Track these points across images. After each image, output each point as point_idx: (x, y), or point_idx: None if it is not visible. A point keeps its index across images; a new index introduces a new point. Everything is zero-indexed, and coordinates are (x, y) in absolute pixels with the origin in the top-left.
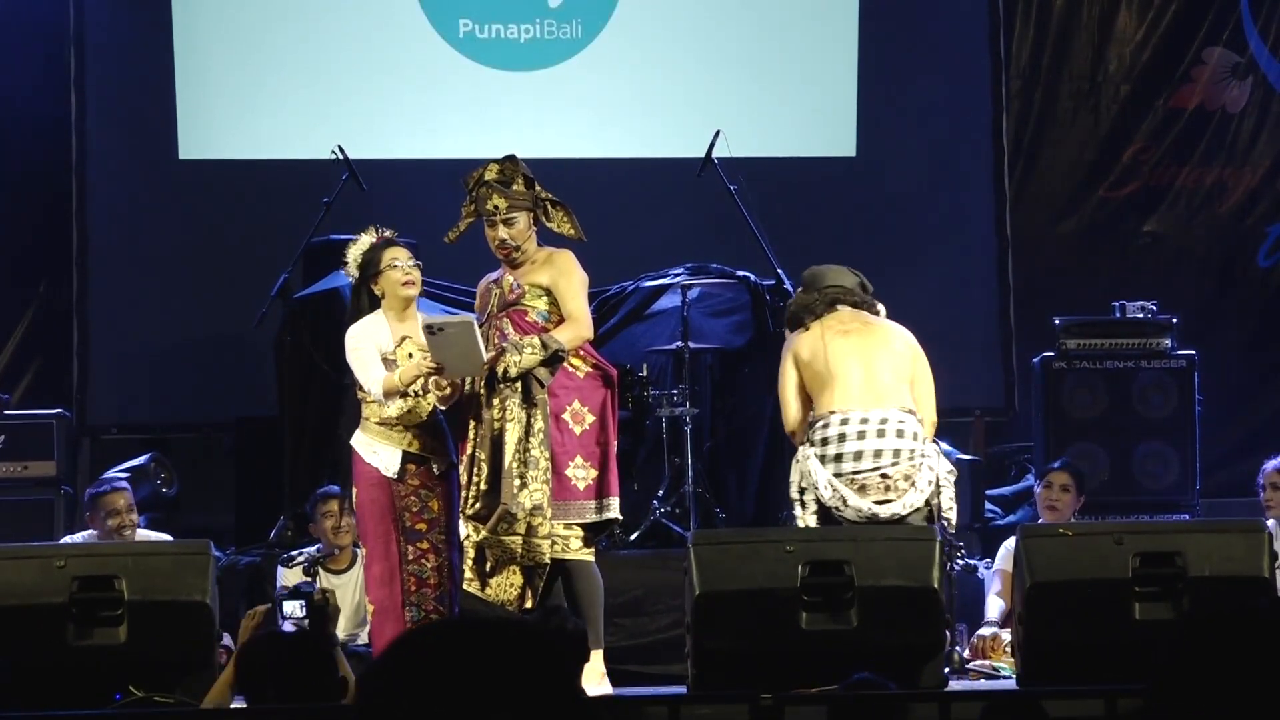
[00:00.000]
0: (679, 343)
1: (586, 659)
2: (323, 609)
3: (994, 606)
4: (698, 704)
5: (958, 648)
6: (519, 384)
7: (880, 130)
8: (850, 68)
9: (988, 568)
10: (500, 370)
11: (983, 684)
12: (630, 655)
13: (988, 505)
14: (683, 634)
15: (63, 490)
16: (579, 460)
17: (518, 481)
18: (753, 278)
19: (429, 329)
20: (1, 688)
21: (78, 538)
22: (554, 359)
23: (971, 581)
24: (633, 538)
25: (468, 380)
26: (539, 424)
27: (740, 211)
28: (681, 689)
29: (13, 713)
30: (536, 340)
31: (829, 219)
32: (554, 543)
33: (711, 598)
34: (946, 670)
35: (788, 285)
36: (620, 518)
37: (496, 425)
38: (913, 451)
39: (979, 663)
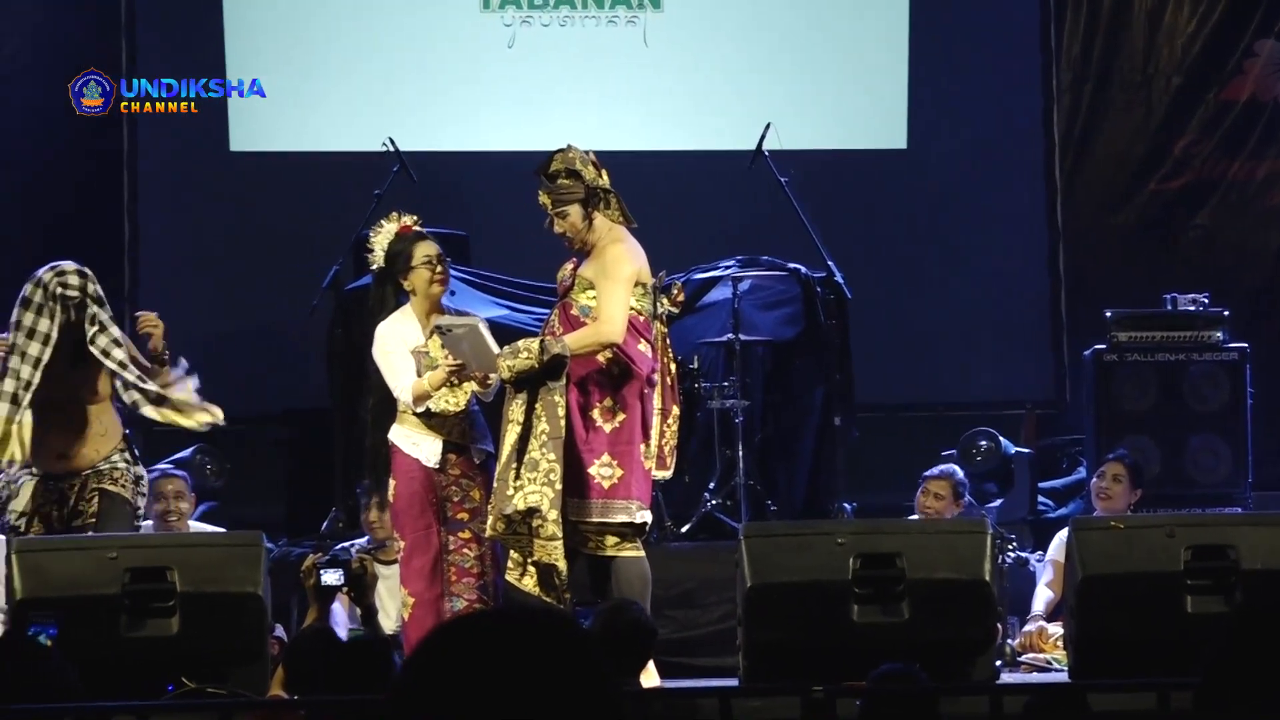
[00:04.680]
0: (730, 335)
1: (652, 653)
2: (361, 577)
3: (1041, 598)
4: (749, 697)
5: (1009, 641)
6: (522, 387)
7: (931, 123)
8: (901, 60)
9: (1039, 561)
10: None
11: (1034, 677)
12: (681, 648)
13: (1040, 498)
14: (734, 627)
15: None
16: (605, 459)
17: (513, 483)
18: (803, 270)
19: (439, 329)
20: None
21: None
22: (554, 364)
23: (1023, 575)
24: (684, 530)
25: None
26: (542, 425)
27: (791, 204)
28: (733, 681)
29: (68, 703)
30: (535, 345)
31: (880, 211)
32: (590, 541)
33: (763, 590)
34: (998, 663)
35: (838, 278)
36: (649, 521)
37: (504, 426)
38: None
39: (1031, 656)
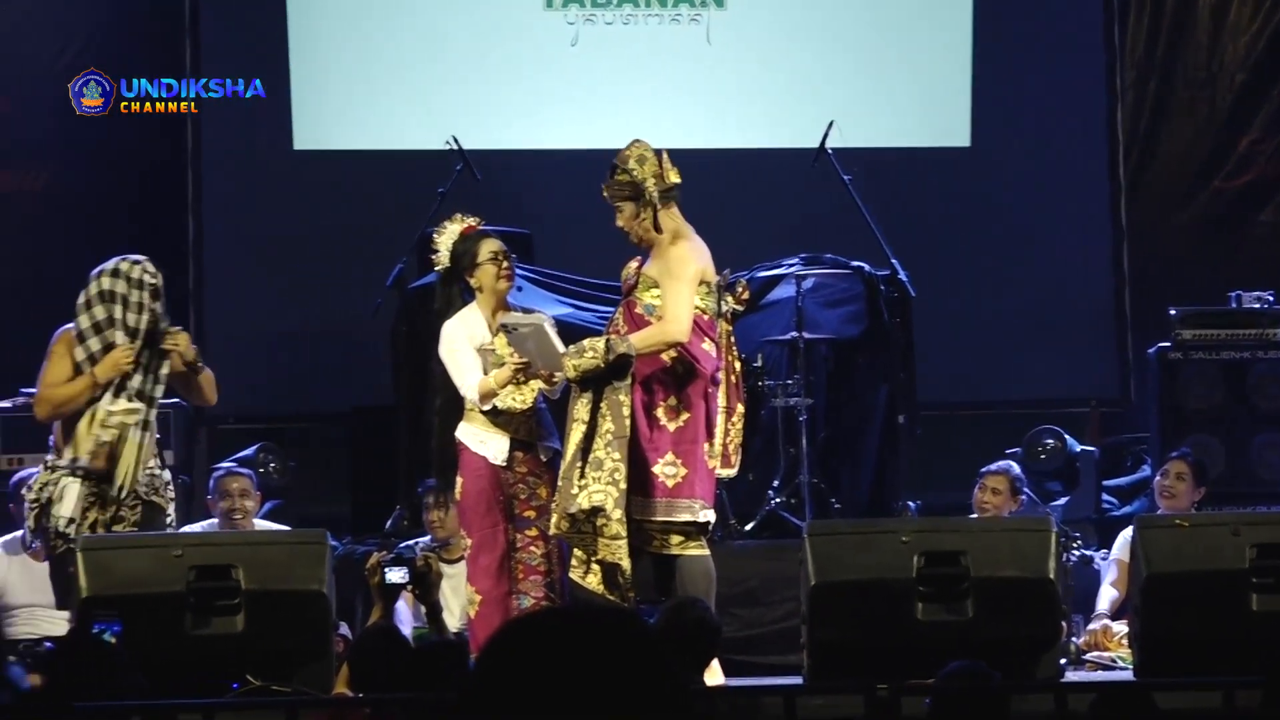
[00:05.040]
0: (793, 333)
1: (717, 650)
2: (425, 575)
3: (1105, 597)
4: (813, 695)
5: (1074, 639)
6: (587, 386)
7: (994, 120)
8: (964, 58)
9: (1104, 559)
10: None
11: (1099, 675)
12: (745, 646)
13: (1104, 496)
14: (798, 625)
15: (180, 480)
16: (669, 457)
17: (577, 482)
18: (867, 268)
19: (504, 328)
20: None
21: (198, 527)
22: (620, 363)
23: (1088, 573)
24: (748, 528)
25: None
26: (607, 425)
27: (855, 202)
28: (797, 679)
29: (133, 701)
30: (601, 343)
31: (943, 209)
32: (654, 540)
33: (827, 588)
34: (1063, 661)
35: (902, 276)
36: (713, 519)
37: (569, 425)
38: None
39: (1096, 654)
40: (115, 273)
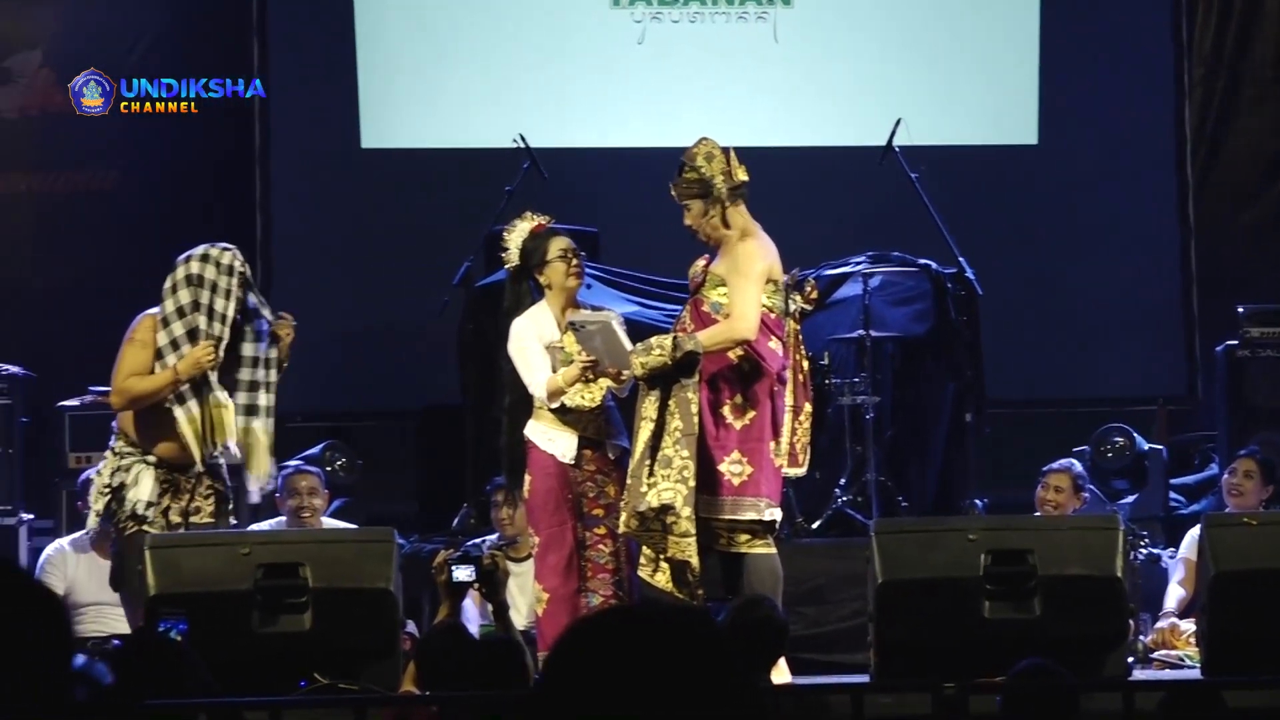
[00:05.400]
0: (860, 331)
1: (784, 649)
2: (492, 573)
3: (1173, 596)
4: (880, 693)
5: (1141, 637)
6: (655, 383)
7: (1062, 118)
8: (1032, 55)
9: (1171, 557)
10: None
11: (1166, 674)
12: (812, 644)
13: (1172, 494)
14: (865, 623)
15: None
16: (735, 456)
17: (646, 480)
18: (934, 266)
19: (572, 325)
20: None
21: (266, 525)
22: (687, 360)
23: (1155, 571)
24: (815, 526)
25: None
26: (676, 422)
27: (922, 200)
28: (864, 678)
29: (200, 699)
30: (668, 341)
31: (1010, 207)
32: (720, 538)
33: (894, 587)
34: (1130, 660)
35: (969, 274)
36: (779, 518)
37: (637, 423)
38: None
39: (1164, 652)
40: (204, 258)
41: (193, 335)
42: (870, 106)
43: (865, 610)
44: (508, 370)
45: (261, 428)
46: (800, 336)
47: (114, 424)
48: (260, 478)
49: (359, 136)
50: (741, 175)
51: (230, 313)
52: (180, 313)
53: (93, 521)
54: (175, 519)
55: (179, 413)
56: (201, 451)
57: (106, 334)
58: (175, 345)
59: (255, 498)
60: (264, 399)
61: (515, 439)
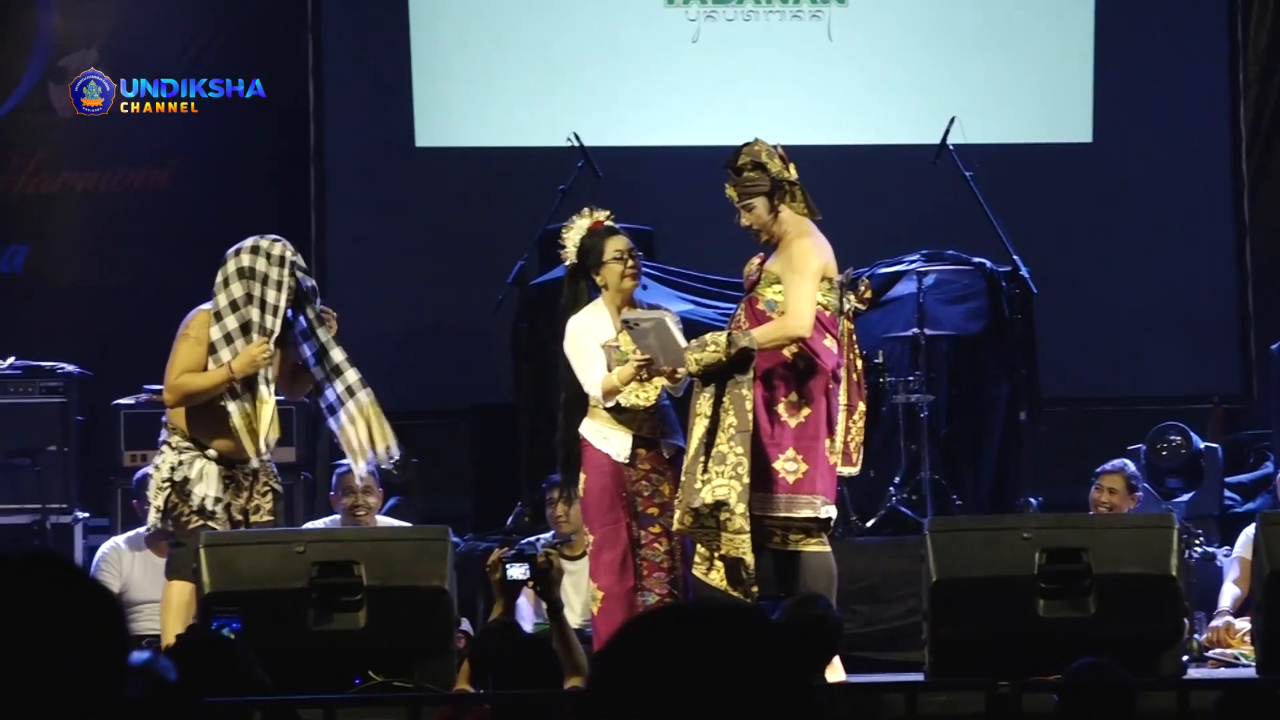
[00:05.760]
0: (915, 329)
1: (839, 648)
2: (546, 571)
3: (1228, 594)
4: (934, 691)
5: (1196, 636)
6: (710, 381)
7: (1116, 116)
8: (1086, 53)
9: (1226, 555)
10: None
11: (1221, 672)
12: (866, 642)
13: (1226, 493)
14: (919, 621)
15: (303, 476)
16: (790, 453)
17: (700, 477)
18: (989, 264)
19: (626, 323)
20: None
21: (320, 523)
22: (742, 357)
23: (1210, 569)
24: (869, 524)
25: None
26: (730, 419)
27: (976, 198)
28: (918, 676)
29: (255, 697)
30: (723, 338)
31: (1065, 205)
32: (775, 536)
33: (948, 585)
34: (1185, 658)
35: (1024, 272)
36: (834, 516)
37: (691, 419)
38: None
39: (1219, 651)
40: (255, 249)
41: (246, 328)
42: (924, 105)
43: (920, 609)
44: (564, 366)
45: (370, 400)
46: (854, 335)
47: (164, 418)
48: (387, 447)
49: (413, 135)
50: (791, 173)
51: (282, 304)
52: (234, 306)
53: (154, 518)
54: (237, 516)
55: (232, 408)
56: (255, 446)
57: (162, 332)
58: (229, 339)
59: (387, 463)
60: (353, 374)
61: (571, 434)
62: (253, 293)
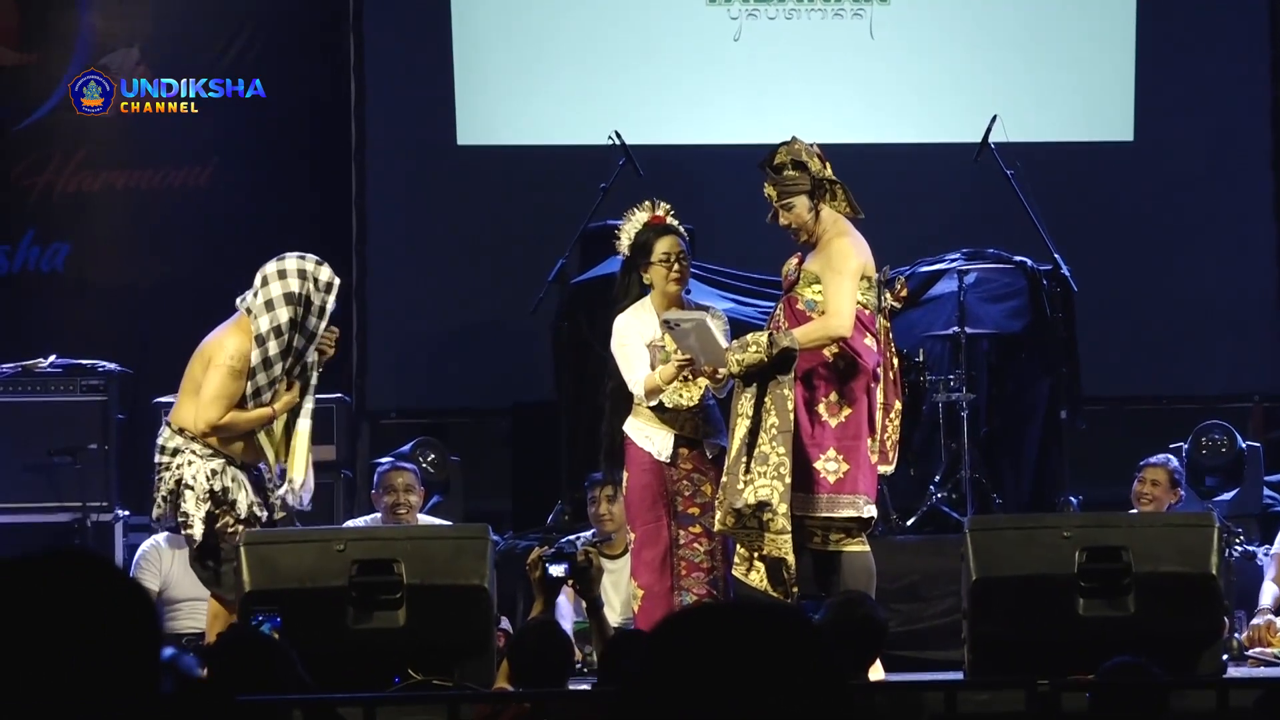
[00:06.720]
0: (955, 328)
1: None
2: (586, 570)
3: (1268, 593)
4: (975, 690)
5: (1236, 635)
6: (751, 381)
7: (1158, 115)
8: (1128, 52)
9: (1267, 554)
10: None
11: (1262, 671)
12: (906, 641)
13: (1266, 491)
14: (959, 620)
15: (342, 474)
16: (831, 453)
17: (743, 477)
18: (1030, 263)
19: (666, 323)
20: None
21: (360, 522)
22: (783, 357)
23: (1250, 568)
24: (909, 523)
25: None
26: (771, 419)
27: (1017, 196)
28: (958, 675)
29: (295, 695)
30: (764, 338)
31: (1107, 204)
32: (815, 536)
33: (988, 583)
34: (1225, 657)
35: (1065, 270)
36: (875, 515)
37: (733, 420)
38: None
39: (1259, 650)
40: (302, 274)
41: (286, 353)
42: (965, 103)
43: (959, 607)
44: (611, 358)
45: (308, 430)
46: (891, 334)
47: (166, 419)
48: (301, 480)
49: (455, 133)
50: (829, 172)
51: (321, 329)
52: (278, 331)
53: (199, 532)
54: (262, 515)
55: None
56: (274, 456)
57: (202, 330)
58: (268, 364)
59: (304, 503)
60: (310, 402)
61: (616, 425)
62: (297, 319)
